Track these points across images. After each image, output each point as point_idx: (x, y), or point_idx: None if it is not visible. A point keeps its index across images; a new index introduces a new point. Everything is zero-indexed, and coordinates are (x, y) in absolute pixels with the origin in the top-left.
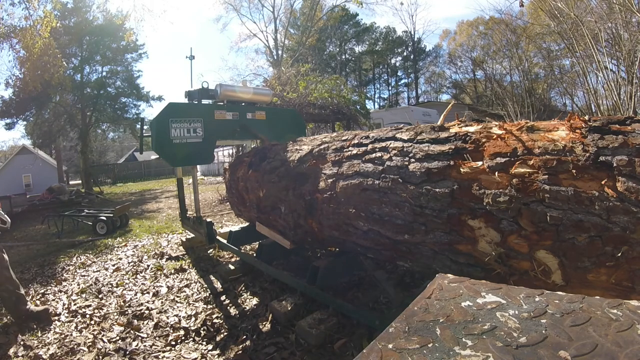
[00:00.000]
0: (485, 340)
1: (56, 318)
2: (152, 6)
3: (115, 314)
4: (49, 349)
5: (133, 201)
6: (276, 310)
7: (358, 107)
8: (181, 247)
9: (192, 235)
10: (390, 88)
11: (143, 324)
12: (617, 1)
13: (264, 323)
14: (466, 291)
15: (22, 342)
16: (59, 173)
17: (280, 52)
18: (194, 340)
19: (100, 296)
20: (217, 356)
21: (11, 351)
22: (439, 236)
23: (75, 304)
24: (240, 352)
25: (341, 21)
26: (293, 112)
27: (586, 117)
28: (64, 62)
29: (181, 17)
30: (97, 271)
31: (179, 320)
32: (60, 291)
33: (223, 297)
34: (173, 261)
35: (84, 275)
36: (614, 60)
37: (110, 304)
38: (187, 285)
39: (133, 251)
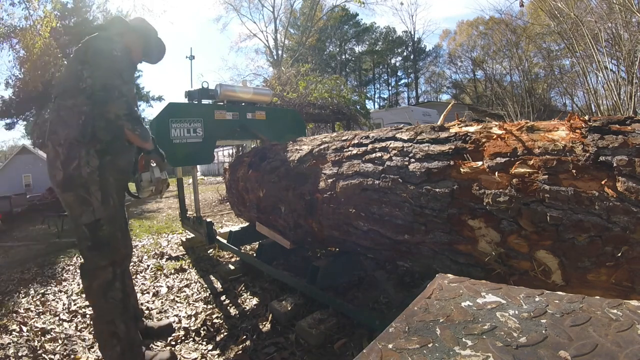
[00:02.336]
0: (485, 340)
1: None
2: (152, 6)
3: None
4: (49, 349)
5: (133, 201)
6: (276, 310)
7: (358, 107)
8: (181, 247)
9: (192, 235)
10: (390, 88)
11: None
12: (617, 1)
13: (264, 323)
14: (466, 291)
15: (24, 343)
16: None
17: (280, 52)
18: (194, 340)
19: None
20: (217, 356)
21: (11, 351)
22: (439, 236)
23: (75, 304)
24: (240, 352)
25: (341, 21)
26: (293, 112)
27: (586, 117)
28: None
29: (181, 17)
30: None
31: (179, 320)
32: (60, 291)
33: (223, 297)
34: (173, 261)
35: None
36: (614, 60)
37: None
38: (187, 285)
39: (133, 251)
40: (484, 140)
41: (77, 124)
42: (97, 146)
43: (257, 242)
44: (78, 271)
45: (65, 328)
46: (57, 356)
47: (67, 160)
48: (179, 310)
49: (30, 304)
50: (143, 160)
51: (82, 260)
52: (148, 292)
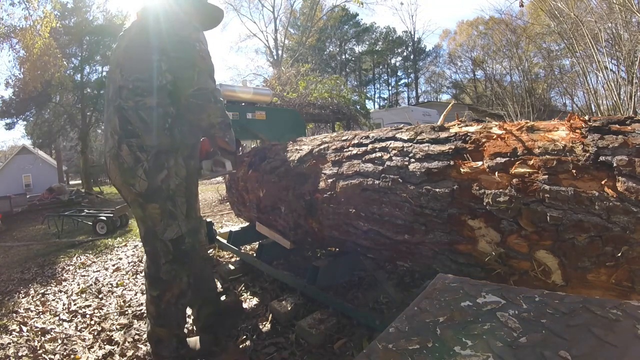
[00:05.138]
0: (485, 340)
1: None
2: None
3: (115, 314)
4: (49, 349)
5: None
6: (276, 310)
7: (358, 107)
8: None
9: None
10: (390, 88)
11: (143, 323)
12: (617, 1)
13: (264, 323)
14: (466, 291)
15: (24, 343)
16: (59, 173)
17: (280, 52)
18: None
19: (100, 296)
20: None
21: (11, 351)
22: (439, 236)
23: (75, 304)
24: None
25: (341, 21)
26: (293, 112)
27: (586, 117)
28: (64, 62)
29: None
30: (97, 271)
31: None
32: (60, 291)
33: (223, 297)
34: None
35: (84, 275)
36: (614, 60)
37: (110, 304)
38: None
39: (133, 251)
40: (484, 140)
41: (163, 128)
42: (185, 153)
43: (257, 242)
44: (77, 271)
45: (65, 328)
46: (57, 356)
47: (154, 169)
48: None
49: (30, 304)
50: (205, 146)
51: (159, 272)
52: None
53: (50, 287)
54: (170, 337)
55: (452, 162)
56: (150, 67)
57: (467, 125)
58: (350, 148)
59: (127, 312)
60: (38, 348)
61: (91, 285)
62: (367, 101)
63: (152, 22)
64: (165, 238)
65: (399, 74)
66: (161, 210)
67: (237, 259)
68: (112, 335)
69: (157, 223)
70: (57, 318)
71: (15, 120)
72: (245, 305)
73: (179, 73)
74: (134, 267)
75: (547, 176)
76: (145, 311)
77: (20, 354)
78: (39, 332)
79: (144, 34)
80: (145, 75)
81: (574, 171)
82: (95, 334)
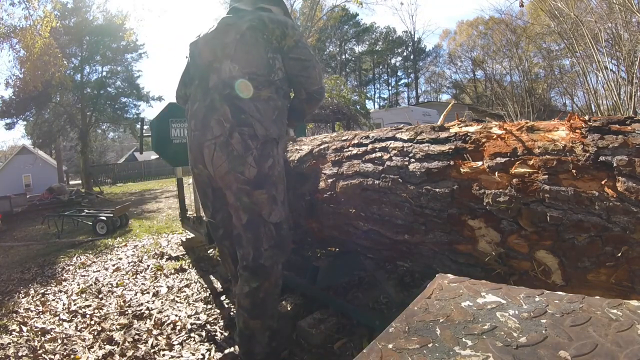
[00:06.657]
0: (485, 340)
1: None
2: (152, 6)
3: (115, 314)
4: (49, 349)
5: (133, 201)
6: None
7: (358, 107)
8: (181, 247)
9: (192, 235)
10: (390, 88)
11: (143, 323)
12: (617, 1)
13: None
14: (466, 291)
15: (24, 343)
16: (59, 173)
17: None
18: (194, 340)
19: (100, 296)
20: (217, 356)
21: (11, 351)
22: (439, 236)
23: (75, 304)
24: None
25: (341, 21)
26: None
27: (586, 117)
28: (64, 62)
29: (180, 17)
30: (97, 271)
31: (179, 320)
32: (60, 291)
33: (223, 297)
34: (173, 261)
35: (84, 275)
36: (614, 60)
37: (110, 304)
38: (187, 285)
39: (133, 251)
40: (484, 140)
41: (271, 119)
42: (283, 143)
43: None
44: (77, 271)
45: (65, 328)
46: (57, 356)
47: (262, 157)
48: (179, 310)
49: (30, 304)
50: None
51: (259, 259)
52: (148, 292)
53: (50, 287)
54: (263, 331)
55: (452, 162)
56: (266, 64)
57: (467, 125)
58: (350, 148)
59: (127, 312)
60: (38, 348)
61: (91, 285)
62: (367, 101)
63: (265, 24)
64: (271, 220)
65: (399, 74)
66: (268, 195)
67: None
68: (112, 335)
69: (264, 207)
70: (57, 318)
71: (15, 120)
72: None
73: (303, 72)
74: (134, 267)
75: (547, 176)
76: (237, 307)
77: (20, 354)
78: (39, 332)
79: (258, 33)
80: (261, 70)
81: (574, 171)
82: (95, 334)
